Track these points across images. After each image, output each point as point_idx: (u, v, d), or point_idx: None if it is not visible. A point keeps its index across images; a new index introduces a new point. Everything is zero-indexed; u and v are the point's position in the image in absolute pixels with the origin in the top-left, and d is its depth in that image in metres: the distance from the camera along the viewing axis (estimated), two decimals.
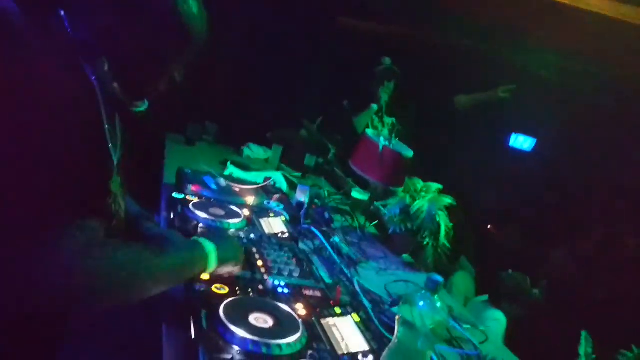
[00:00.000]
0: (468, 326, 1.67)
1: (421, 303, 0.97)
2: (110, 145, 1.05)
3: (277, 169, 2.92)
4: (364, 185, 2.58)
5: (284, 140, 3.22)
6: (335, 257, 1.80)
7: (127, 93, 1.06)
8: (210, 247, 1.15)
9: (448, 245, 2.16)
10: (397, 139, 2.27)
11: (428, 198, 2.16)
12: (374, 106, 3.43)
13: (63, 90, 0.89)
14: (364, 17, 3.88)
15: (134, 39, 0.99)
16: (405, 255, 2.20)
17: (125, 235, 1.16)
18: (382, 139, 2.12)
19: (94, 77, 0.97)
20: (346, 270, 1.72)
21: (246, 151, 3.14)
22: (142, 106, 1.16)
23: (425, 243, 2.09)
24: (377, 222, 2.36)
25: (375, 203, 2.29)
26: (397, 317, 0.98)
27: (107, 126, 1.02)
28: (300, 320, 1.19)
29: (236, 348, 1.04)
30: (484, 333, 1.69)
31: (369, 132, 2.21)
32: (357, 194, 2.53)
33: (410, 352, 0.96)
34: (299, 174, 2.96)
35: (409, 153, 2.16)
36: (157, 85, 1.12)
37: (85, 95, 0.96)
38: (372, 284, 1.73)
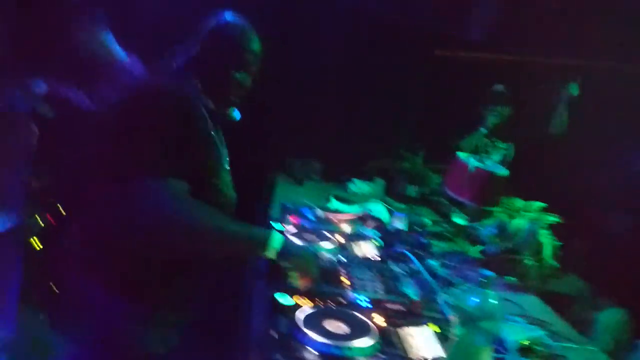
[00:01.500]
0: (572, 345, 1.57)
1: (472, 299, 0.99)
2: (219, 145, 1.41)
3: (380, 201, 3.00)
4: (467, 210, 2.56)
5: (387, 173, 3.32)
6: (428, 277, 1.82)
7: (216, 102, 1.43)
8: (277, 235, 1.31)
9: (557, 265, 2.06)
10: (490, 159, 2.25)
11: (529, 217, 2.09)
12: (483, 130, 3.40)
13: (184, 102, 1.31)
14: (462, 46, 3.89)
15: (207, 62, 1.42)
16: (509, 277, 2.12)
17: None
18: (472, 159, 2.12)
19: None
20: (437, 289, 1.73)
21: (351, 187, 3.28)
22: (233, 114, 1.56)
23: (528, 263, 2.02)
24: (479, 245, 2.32)
25: (473, 224, 2.27)
26: (451, 318, 1.01)
27: (213, 132, 1.37)
28: (373, 327, 1.26)
29: (309, 349, 1.14)
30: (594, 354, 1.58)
31: (460, 154, 2.23)
32: (459, 219, 2.51)
33: (469, 348, 0.97)
34: (402, 205, 3.01)
35: (503, 172, 2.13)
36: (231, 92, 1.49)
37: (193, 105, 1.33)
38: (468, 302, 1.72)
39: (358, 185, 3.30)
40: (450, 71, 3.74)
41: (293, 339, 1.18)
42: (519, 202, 2.20)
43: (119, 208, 1.24)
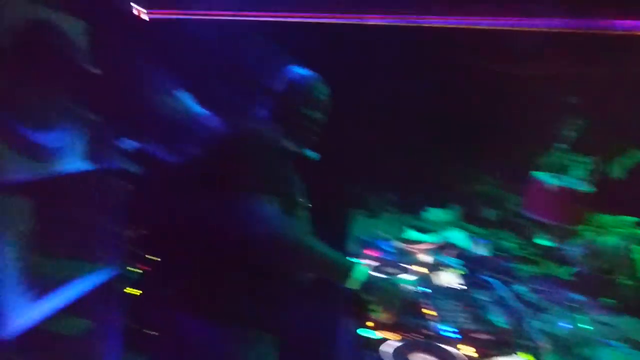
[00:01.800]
0: None
1: (565, 324, 0.97)
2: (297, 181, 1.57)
3: (458, 228, 2.96)
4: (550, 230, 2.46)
5: (463, 198, 3.27)
6: (516, 304, 1.77)
7: (294, 141, 1.58)
8: (361, 267, 1.37)
9: None
10: (570, 175, 2.17)
11: (620, 232, 1.99)
12: (560, 146, 3.28)
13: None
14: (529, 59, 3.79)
15: (281, 105, 1.61)
16: (605, 299, 2.01)
17: None
18: (549, 177, 2.06)
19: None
20: (526, 315, 1.67)
21: (426, 215, 3.26)
22: (310, 153, 1.68)
23: (622, 282, 1.90)
24: (568, 267, 2.22)
25: (560, 245, 2.18)
26: (544, 345, 0.99)
27: (291, 169, 1.54)
28: (463, 358, 1.25)
29: None
30: None
31: (536, 173, 2.16)
32: (543, 240, 2.42)
33: None
34: (481, 230, 2.95)
35: (586, 188, 2.04)
36: (305, 129, 1.63)
37: (273, 142, 1.51)
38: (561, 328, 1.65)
39: (434, 213, 3.27)
40: (521, 87, 3.65)
41: None
42: (607, 219, 2.10)
43: (220, 230, 1.40)
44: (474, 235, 2.57)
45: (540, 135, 3.41)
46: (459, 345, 1.35)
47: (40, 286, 1.83)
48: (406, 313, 1.51)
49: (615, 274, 1.90)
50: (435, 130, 3.67)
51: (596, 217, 2.09)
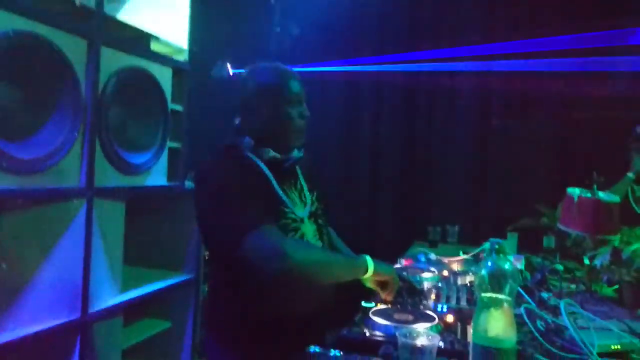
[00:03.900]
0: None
1: (489, 263, 1.15)
2: (287, 200, 1.54)
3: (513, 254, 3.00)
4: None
5: (525, 229, 3.31)
6: (530, 301, 1.85)
7: (277, 148, 1.54)
8: (369, 260, 1.51)
9: None
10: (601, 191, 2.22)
11: None
12: (630, 175, 3.24)
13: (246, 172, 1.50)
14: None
15: (255, 118, 1.55)
16: None
17: None
18: (577, 191, 2.14)
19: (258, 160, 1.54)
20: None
21: (486, 245, 3.32)
22: (297, 154, 1.61)
23: None
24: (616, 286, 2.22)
25: (589, 256, 2.21)
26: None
27: (279, 188, 1.52)
28: (437, 319, 1.43)
29: (376, 332, 1.37)
30: None
31: (569, 190, 2.24)
32: (586, 258, 2.43)
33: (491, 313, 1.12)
34: (537, 258, 2.98)
35: (614, 199, 2.09)
36: (282, 135, 1.57)
37: (251, 168, 1.52)
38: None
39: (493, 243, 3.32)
40: (587, 116, 3.67)
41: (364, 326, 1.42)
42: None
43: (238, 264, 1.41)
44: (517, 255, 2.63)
45: (611, 164, 3.39)
46: (444, 316, 1.52)
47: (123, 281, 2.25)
48: (409, 296, 1.71)
49: None
50: (501, 165, 3.77)
51: (630, 230, 2.12)
